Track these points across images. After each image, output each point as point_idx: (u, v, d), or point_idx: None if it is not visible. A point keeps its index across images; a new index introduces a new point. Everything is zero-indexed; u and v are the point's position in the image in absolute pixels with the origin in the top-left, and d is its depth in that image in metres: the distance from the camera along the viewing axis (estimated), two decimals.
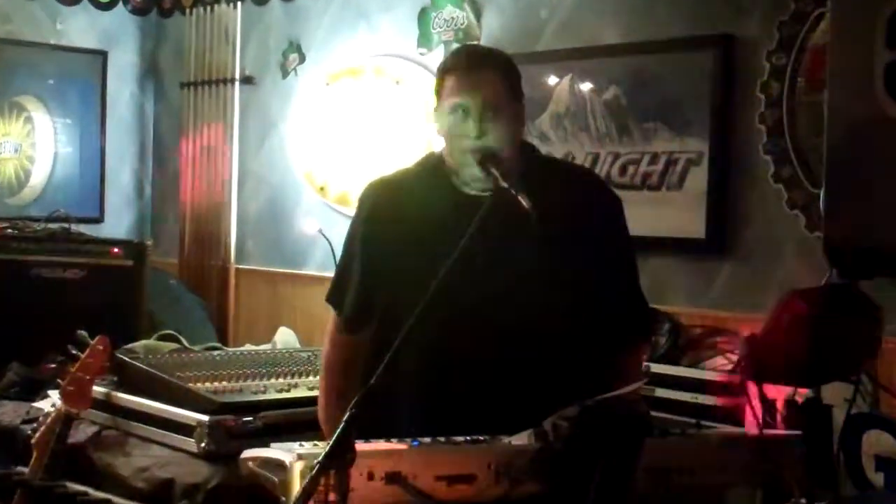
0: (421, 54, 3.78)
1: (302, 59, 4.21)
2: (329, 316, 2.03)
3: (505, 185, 1.77)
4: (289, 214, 4.23)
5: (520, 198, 1.74)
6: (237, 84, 4.42)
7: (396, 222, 1.90)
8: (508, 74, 1.88)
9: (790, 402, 2.26)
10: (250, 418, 2.49)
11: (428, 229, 1.85)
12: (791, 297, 1.76)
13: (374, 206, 1.95)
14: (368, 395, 1.44)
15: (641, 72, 3.25)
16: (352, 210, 4.10)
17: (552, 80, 3.44)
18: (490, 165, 1.81)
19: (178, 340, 3.29)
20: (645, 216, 3.21)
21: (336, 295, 2.01)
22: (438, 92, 1.86)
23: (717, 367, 2.83)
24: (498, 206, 1.76)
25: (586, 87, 3.37)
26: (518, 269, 1.83)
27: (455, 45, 3.61)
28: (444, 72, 1.86)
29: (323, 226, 3.88)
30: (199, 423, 2.48)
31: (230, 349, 3.40)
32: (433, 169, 1.91)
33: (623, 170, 3.29)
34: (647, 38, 3.24)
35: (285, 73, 4.27)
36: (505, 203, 1.76)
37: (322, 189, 3.99)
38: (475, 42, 3.21)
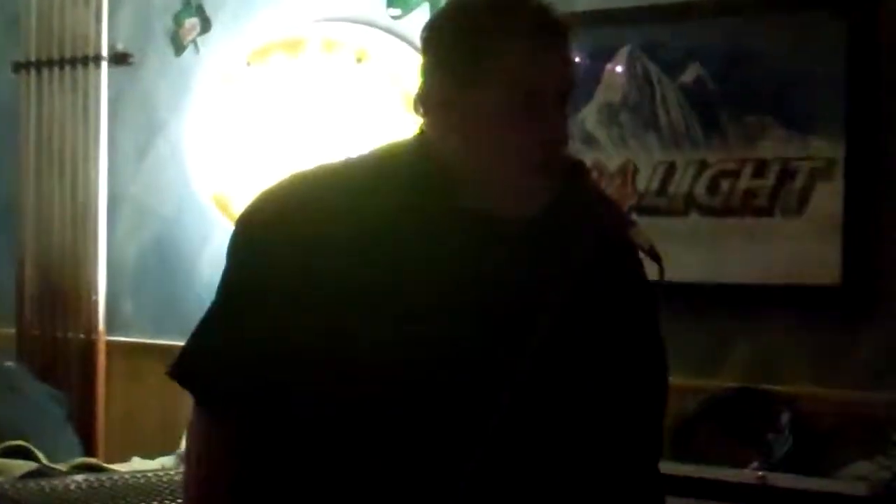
0: (393, 18, 3.69)
1: (206, 26, 4.09)
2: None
3: (633, 223, 1.76)
4: (189, 259, 4.11)
5: (647, 245, 1.72)
6: (104, 65, 4.32)
7: (356, 253, 1.72)
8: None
9: None
10: None
11: (431, 270, 1.73)
12: None
13: (300, 221, 1.74)
14: None
15: (739, 41, 3.18)
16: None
17: (600, 54, 3.36)
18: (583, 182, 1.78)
19: (32, 455, 3.31)
20: (749, 255, 3.19)
21: (212, 366, 1.80)
22: (478, 68, 1.72)
23: (863, 474, 2.83)
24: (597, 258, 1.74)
25: (654, 64, 3.30)
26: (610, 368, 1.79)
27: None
28: (504, 33, 1.72)
29: None
30: None
31: (115, 468, 3.38)
32: (420, 177, 1.77)
33: (713, 186, 3.22)
34: None
35: (180, 49, 4.16)
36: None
37: None
38: None
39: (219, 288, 1.80)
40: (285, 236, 1.73)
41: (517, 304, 1.71)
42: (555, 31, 1.75)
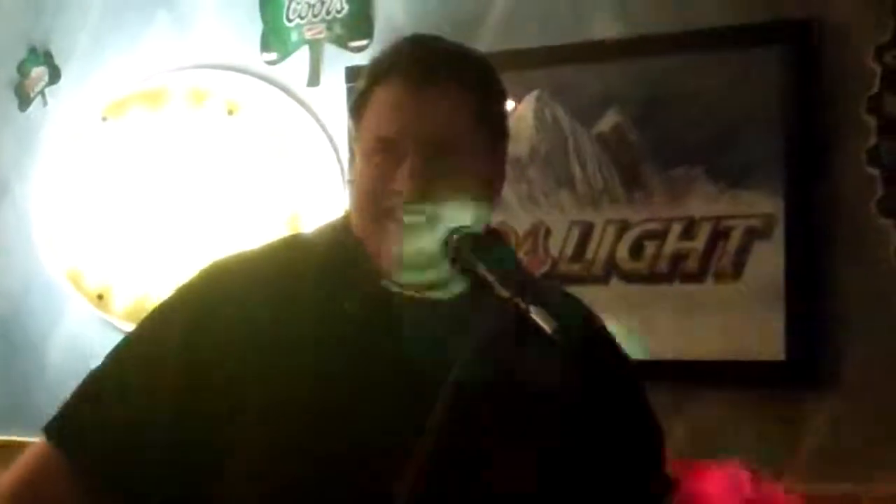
0: (269, 64, 3.62)
1: (55, 76, 3.99)
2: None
3: (499, 287, 1.71)
4: (38, 343, 4.00)
5: (533, 313, 1.67)
6: None
7: (260, 329, 1.80)
8: (483, 89, 1.84)
9: None
10: None
11: (333, 344, 1.80)
12: None
13: (211, 300, 1.85)
14: None
15: (663, 84, 3.12)
16: None
17: (506, 102, 3.27)
18: (463, 249, 1.78)
19: None
20: (679, 326, 3.13)
21: (77, 426, 1.87)
22: (358, 113, 1.84)
23: None
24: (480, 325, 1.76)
25: (566, 111, 3.25)
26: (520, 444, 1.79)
27: (329, 45, 3.51)
28: (372, 79, 1.82)
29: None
30: None
31: None
32: (337, 245, 1.87)
33: (636, 250, 3.16)
34: (672, 28, 3.12)
35: (25, 101, 4.04)
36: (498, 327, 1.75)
37: (100, 297, 3.75)
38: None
39: (115, 354, 1.89)
40: (226, 300, 1.81)
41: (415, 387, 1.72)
42: (436, 67, 1.77)
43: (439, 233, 1.76)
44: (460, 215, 1.76)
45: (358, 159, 1.80)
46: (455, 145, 1.76)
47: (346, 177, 3.26)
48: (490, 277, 1.71)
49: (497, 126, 1.85)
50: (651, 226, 3.12)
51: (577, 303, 1.96)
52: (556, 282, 2.58)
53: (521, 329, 1.68)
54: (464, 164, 1.77)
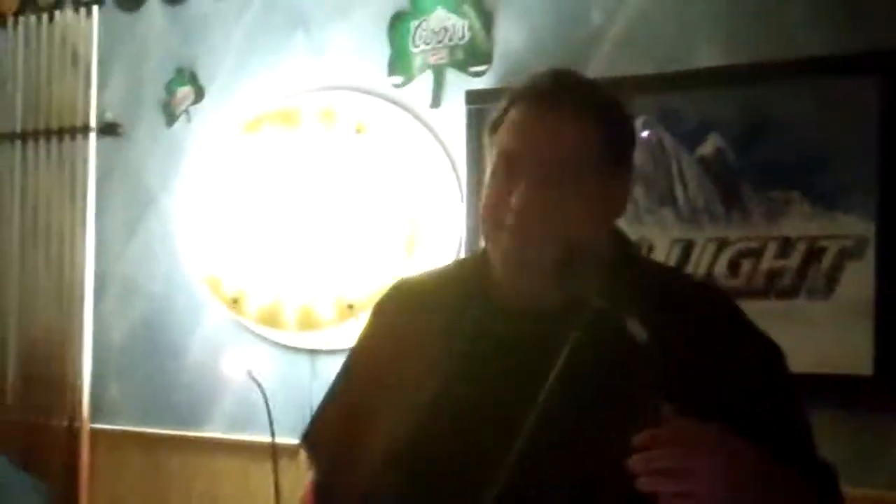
0: (395, 86, 3.63)
1: (199, 95, 4.07)
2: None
3: (598, 301, 1.73)
4: (178, 342, 4.08)
5: (629, 324, 1.67)
6: (93, 136, 4.28)
7: (400, 343, 1.98)
8: (604, 119, 1.87)
9: None
10: None
11: (439, 361, 1.91)
12: None
13: (380, 319, 2.07)
14: None
15: (760, 111, 3.12)
16: (286, 334, 3.82)
17: (630, 134, 3.29)
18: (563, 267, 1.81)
19: None
20: None
21: (319, 438, 2.10)
22: (493, 132, 1.92)
23: None
24: (584, 340, 1.73)
25: (670, 135, 3.25)
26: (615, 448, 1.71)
27: (451, 70, 3.54)
28: (510, 102, 1.89)
29: (237, 358, 3.75)
30: None
31: None
32: (470, 268, 1.98)
33: (734, 266, 3.14)
34: (769, 57, 3.11)
35: (172, 119, 4.13)
36: (594, 336, 1.73)
37: (235, 302, 3.77)
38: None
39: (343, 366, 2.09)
40: (384, 329, 2.03)
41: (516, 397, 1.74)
42: (561, 94, 1.82)
43: (547, 247, 1.79)
44: (567, 231, 1.79)
45: (488, 174, 1.87)
46: (568, 167, 1.80)
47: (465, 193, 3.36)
48: (589, 290, 1.73)
49: (617, 154, 1.86)
50: (748, 244, 3.11)
51: (692, 310, 1.85)
52: (694, 283, 2.41)
53: (619, 339, 1.66)
54: (575, 184, 1.80)
